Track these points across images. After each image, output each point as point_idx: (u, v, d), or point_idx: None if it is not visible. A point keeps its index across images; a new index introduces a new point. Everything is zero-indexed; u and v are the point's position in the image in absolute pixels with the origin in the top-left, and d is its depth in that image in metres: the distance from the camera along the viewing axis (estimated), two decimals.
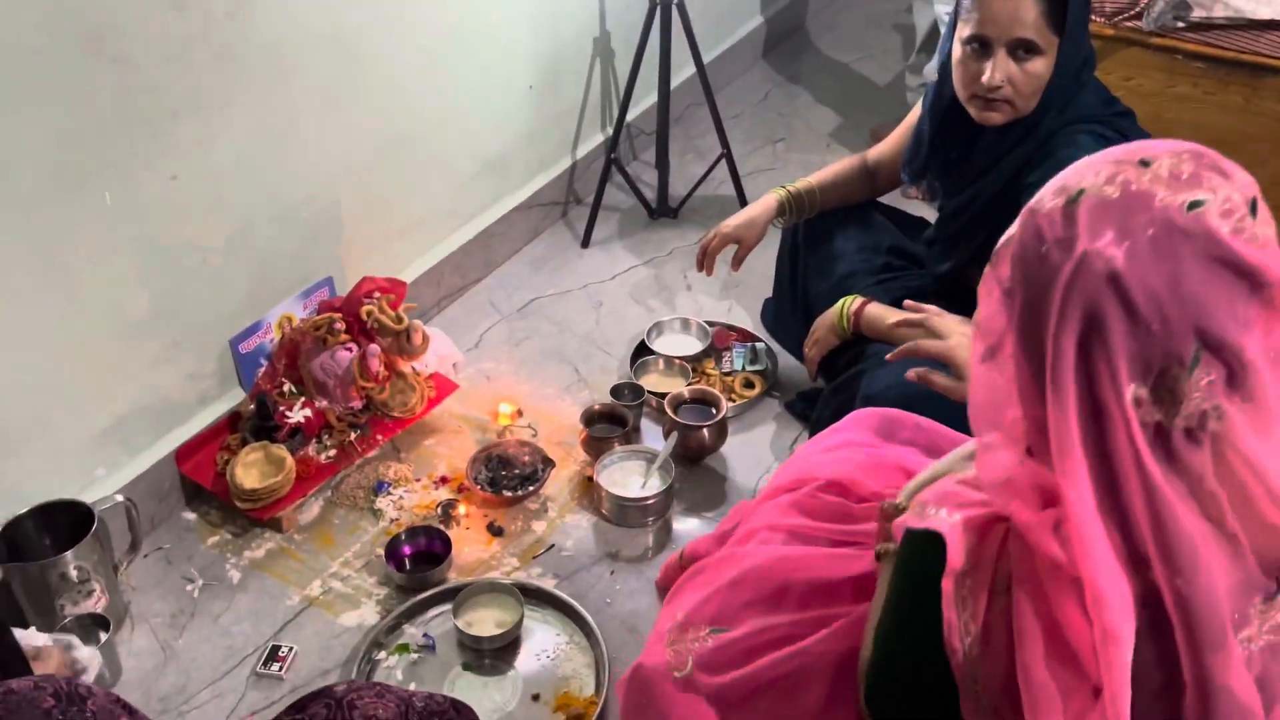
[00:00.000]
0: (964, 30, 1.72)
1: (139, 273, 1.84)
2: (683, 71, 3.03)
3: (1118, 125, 1.77)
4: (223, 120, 1.89)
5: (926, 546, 1.00)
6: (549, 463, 2.08)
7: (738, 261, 2.22)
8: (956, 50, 1.75)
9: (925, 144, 1.94)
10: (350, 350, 2.06)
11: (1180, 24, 2.31)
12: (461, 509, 2.02)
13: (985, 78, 1.70)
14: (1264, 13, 2.23)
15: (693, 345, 2.41)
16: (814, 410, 2.13)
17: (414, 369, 2.18)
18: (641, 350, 2.40)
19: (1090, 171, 0.87)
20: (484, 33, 2.44)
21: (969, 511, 0.99)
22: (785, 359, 2.40)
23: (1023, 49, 1.68)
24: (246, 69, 1.90)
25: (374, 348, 2.07)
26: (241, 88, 1.90)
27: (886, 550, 1.14)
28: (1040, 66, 1.69)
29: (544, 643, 1.80)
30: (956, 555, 0.97)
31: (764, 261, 2.43)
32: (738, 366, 2.35)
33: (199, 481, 2.01)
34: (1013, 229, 0.91)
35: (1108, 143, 1.74)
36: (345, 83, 2.12)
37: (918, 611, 1.01)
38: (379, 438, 2.12)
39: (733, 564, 1.35)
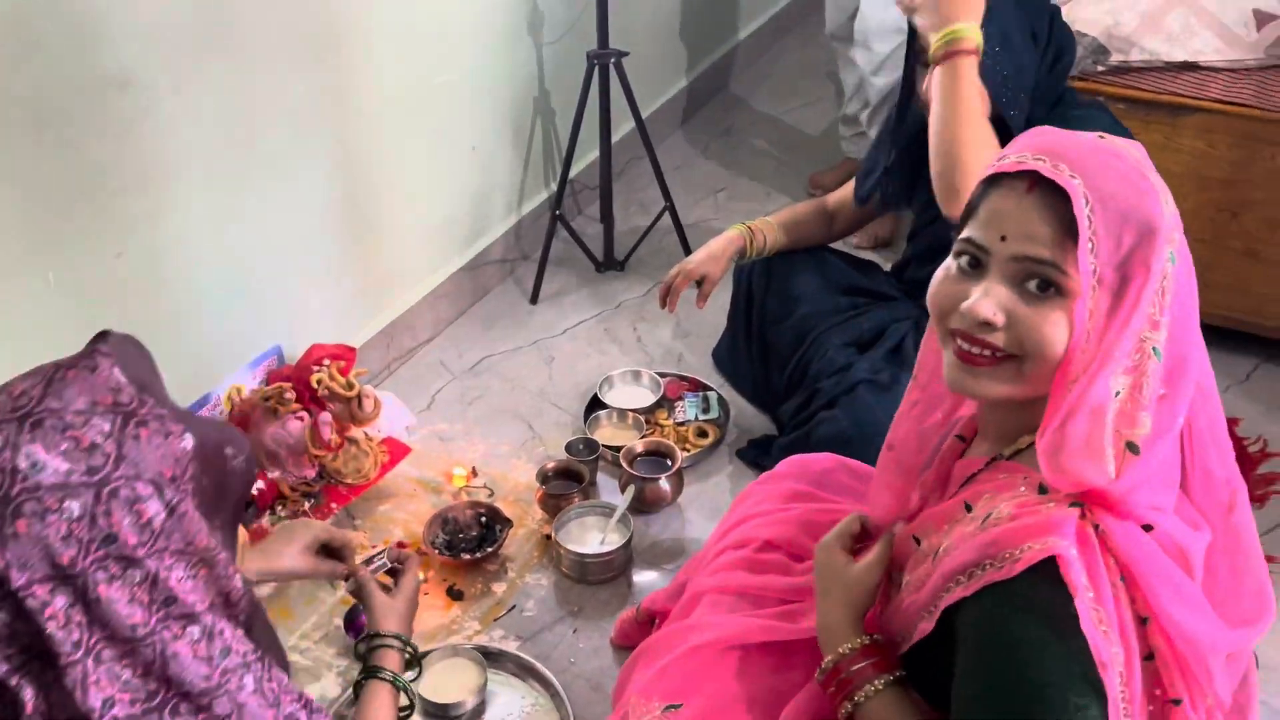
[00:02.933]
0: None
1: None
2: (623, 126, 3.08)
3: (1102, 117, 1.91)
4: (169, 195, 1.89)
5: (1031, 586, 0.96)
6: (506, 523, 2.08)
7: (703, 297, 2.25)
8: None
9: (881, 170, 2.05)
10: (301, 419, 2.05)
11: (1100, 68, 2.40)
12: (419, 575, 2.00)
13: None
14: (1178, 55, 2.33)
15: (645, 397, 2.43)
16: (766, 458, 2.16)
17: (366, 434, 2.17)
18: (594, 404, 2.42)
19: None
20: (427, 97, 2.46)
21: (1056, 532, 0.96)
22: (738, 407, 2.43)
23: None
24: (192, 143, 1.91)
25: (325, 415, 2.06)
26: (187, 162, 1.91)
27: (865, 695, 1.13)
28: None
29: (509, 706, 1.79)
30: (1078, 570, 0.94)
31: (713, 310, 2.46)
32: (690, 416, 2.37)
33: None
34: None
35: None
36: (291, 153, 2.13)
37: (1040, 665, 0.95)
38: (333, 506, 2.10)
39: (683, 637, 1.36)
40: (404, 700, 1.46)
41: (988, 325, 1.03)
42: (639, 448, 2.19)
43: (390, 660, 1.46)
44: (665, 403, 2.42)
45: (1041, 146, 1.02)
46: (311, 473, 2.09)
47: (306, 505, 2.07)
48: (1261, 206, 2.38)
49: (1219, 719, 1.04)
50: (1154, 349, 0.98)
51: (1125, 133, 1.84)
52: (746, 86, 3.98)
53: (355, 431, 2.14)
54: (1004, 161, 1.04)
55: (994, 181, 1.05)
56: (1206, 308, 2.47)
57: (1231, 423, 2.40)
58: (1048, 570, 0.95)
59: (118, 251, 1.83)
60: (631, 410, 2.37)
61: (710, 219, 3.17)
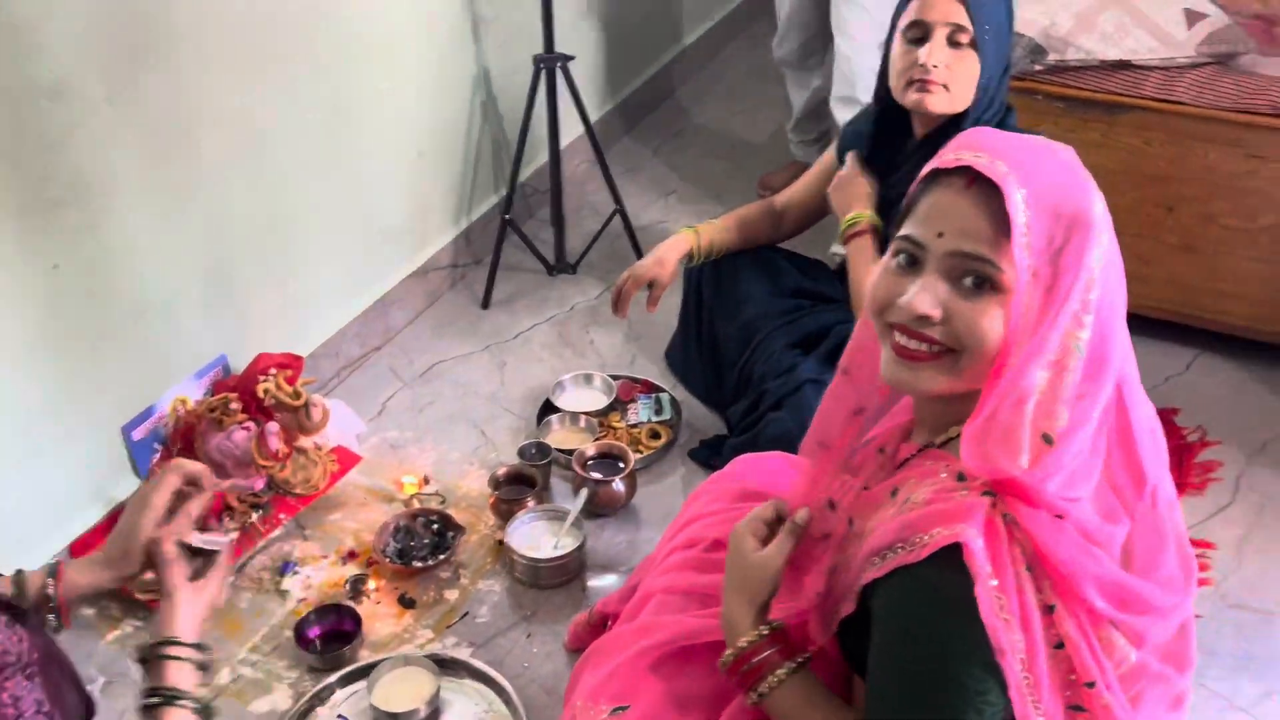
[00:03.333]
0: (904, 21, 1.87)
1: (23, 366, 1.80)
2: (573, 130, 3.07)
3: None
4: (106, 207, 1.87)
5: (936, 571, 0.98)
6: (458, 530, 2.07)
7: (654, 301, 2.25)
8: (895, 48, 1.90)
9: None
10: (248, 430, 2.03)
11: (1038, 68, 2.43)
12: (371, 583, 1.99)
13: (923, 59, 1.83)
14: (1113, 53, 2.37)
15: (598, 400, 2.43)
16: (718, 458, 2.17)
17: (315, 444, 2.15)
18: (547, 408, 2.42)
19: None
20: (372, 104, 2.45)
21: (965, 520, 0.99)
22: (690, 407, 2.44)
23: (959, 33, 1.82)
24: (129, 153, 1.88)
25: (272, 425, 2.04)
26: (125, 173, 1.88)
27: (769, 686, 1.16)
28: (972, 59, 1.83)
29: (463, 713, 1.78)
30: (982, 559, 0.96)
31: (665, 311, 2.47)
32: (643, 418, 2.38)
33: None
34: None
35: None
36: (234, 160, 2.11)
37: (940, 649, 0.99)
38: (282, 517, 2.08)
39: (630, 639, 1.36)
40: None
41: (925, 319, 1.05)
42: (591, 450, 2.19)
43: (183, 676, 1.15)
44: (618, 405, 2.43)
45: (979, 145, 1.04)
46: (260, 484, 2.07)
47: (254, 517, 2.05)
48: (1195, 202, 2.43)
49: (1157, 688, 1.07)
50: (1077, 344, 1.00)
51: None
52: (695, 90, 4.00)
53: (303, 441, 2.13)
54: (943, 159, 1.06)
55: (933, 179, 1.07)
56: (1145, 301, 2.56)
57: (1170, 413, 2.47)
58: (954, 556, 0.97)
59: (54, 264, 1.80)
60: (584, 413, 2.37)
61: (661, 221, 3.18)
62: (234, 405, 2.02)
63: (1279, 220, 2.38)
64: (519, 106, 2.73)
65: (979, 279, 1.03)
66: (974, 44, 1.81)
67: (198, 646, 1.17)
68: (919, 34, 1.85)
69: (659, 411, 2.39)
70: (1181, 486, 2.21)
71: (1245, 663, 1.86)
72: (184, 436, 2.05)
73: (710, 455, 2.25)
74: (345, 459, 2.21)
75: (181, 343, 2.11)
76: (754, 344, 2.24)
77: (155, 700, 1.13)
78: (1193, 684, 1.78)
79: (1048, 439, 0.99)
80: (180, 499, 1.27)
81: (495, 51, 2.81)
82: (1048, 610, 1.00)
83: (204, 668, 1.18)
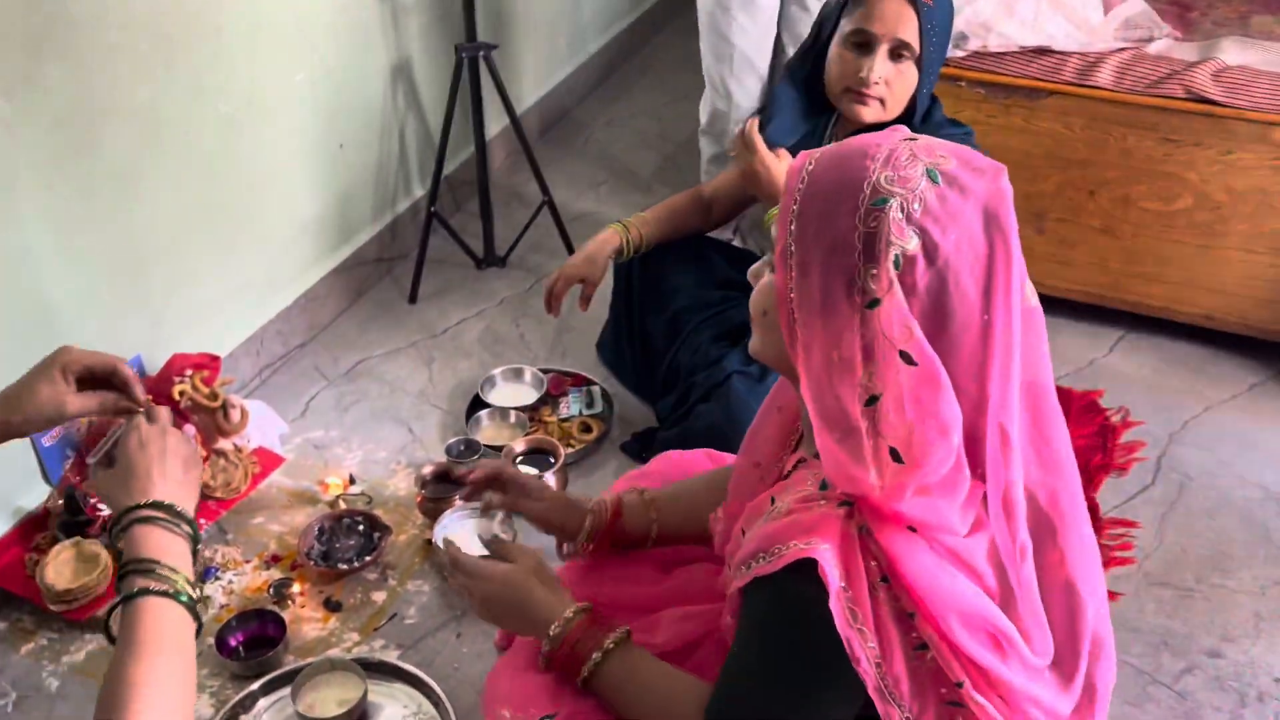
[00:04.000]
0: (848, 27, 1.86)
1: None
2: (500, 121, 3.04)
3: (966, 142, 1.91)
4: (6, 204, 1.79)
5: (791, 584, 0.99)
6: (385, 530, 2.03)
7: (585, 300, 2.22)
8: (835, 49, 1.89)
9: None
10: None
11: (960, 53, 2.45)
12: (295, 587, 1.94)
13: (864, 73, 1.82)
14: (1032, 40, 2.39)
15: (528, 394, 2.40)
16: (649, 451, 2.15)
17: (235, 446, 2.10)
18: (476, 404, 2.38)
19: None
20: (288, 95, 2.39)
21: (819, 533, 0.99)
22: (622, 400, 2.42)
23: (903, 50, 1.82)
24: (27, 148, 1.81)
25: (189, 428, 1.98)
26: (23, 168, 1.81)
27: None
28: (912, 72, 1.84)
29: (391, 717, 1.75)
30: (834, 573, 0.96)
31: (596, 302, 2.44)
32: (574, 412, 2.36)
33: (7, 588, 1.88)
34: None
35: None
36: (142, 156, 2.04)
37: (799, 655, 1.01)
38: (203, 521, 2.02)
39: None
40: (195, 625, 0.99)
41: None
42: (520, 446, 2.16)
43: (165, 547, 0.96)
44: (549, 399, 2.40)
45: (842, 142, 1.04)
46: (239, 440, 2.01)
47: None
48: (1116, 185, 2.47)
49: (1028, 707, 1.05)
50: (902, 353, 0.94)
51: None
52: (624, 80, 3.98)
53: (223, 443, 2.07)
54: None
55: None
56: (1069, 284, 2.60)
57: (1094, 394, 2.50)
58: (809, 568, 0.98)
59: None
60: (514, 408, 2.34)
61: (594, 211, 3.15)
62: None
63: (1195, 203, 2.43)
64: (443, 97, 2.68)
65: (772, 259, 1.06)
66: (917, 59, 1.82)
67: (162, 506, 0.96)
68: (862, 42, 1.84)
69: (590, 405, 2.37)
70: (1105, 467, 2.24)
71: (1165, 638, 1.89)
72: (94, 441, 1.98)
73: (642, 448, 2.24)
74: (267, 461, 2.16)
75: (92, 344, 2.00)
76: (682, 336, 2.22)
77: (133, 591, 0.93)
78: (1117, 660, 1.83)
79: (895, 455, 0.95)
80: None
81: (417, 41, 2.76)
82: (907, 616, 1.00)
83: (194, 540, 0.99)
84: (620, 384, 2.47)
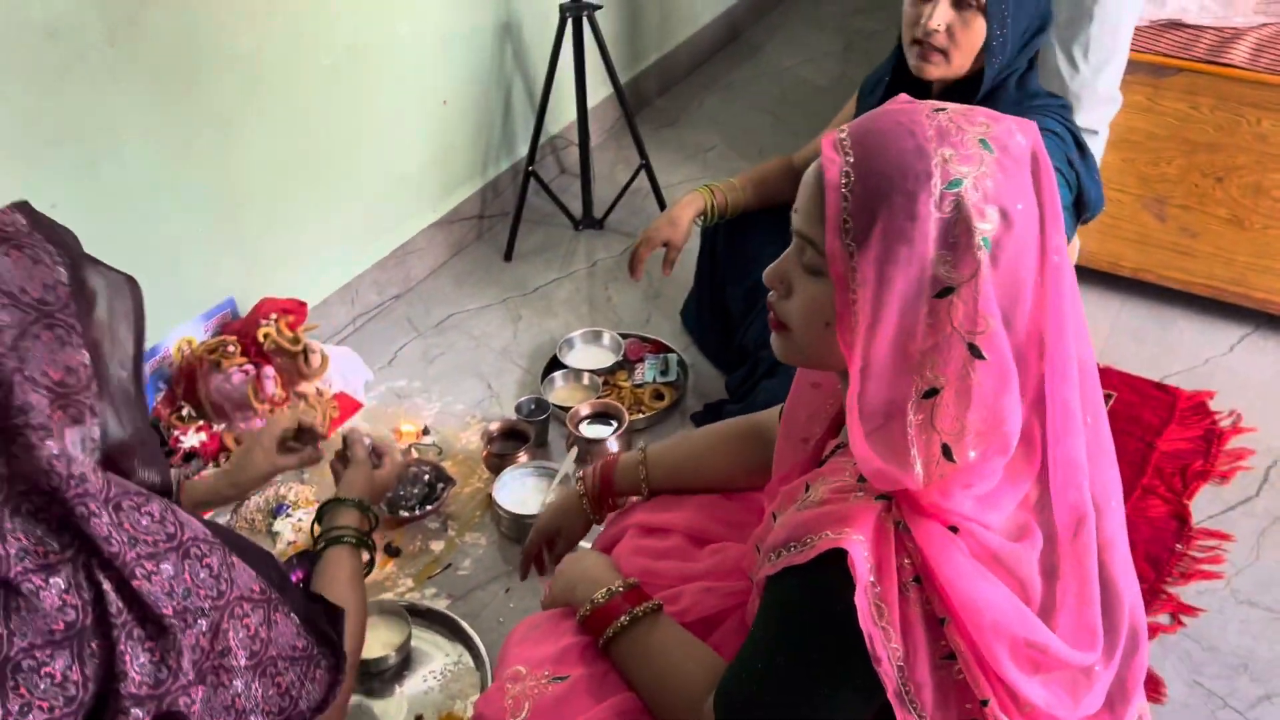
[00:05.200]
0: None
1: None
2: (609, 84, 3.02)
3: (1063, 115, 1.82)
4: (106, 146, 1.89)
5: (821, 575, 0.96)
6: (449, 481, 2.07)
7: (669, 264, 2.19)
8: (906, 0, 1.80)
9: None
10: (246, 373, 2.05)
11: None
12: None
13: (924, 19, 1.74)
14: (1160, 14, 2.23)
15: (606, 358, 2.40)
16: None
17: (317, 389, 2.17)
18: (555, 364, 2.40)
19: None
20: (391, 49, 2.43)
21: (854, 525, 0.95)
22: (699, 369, 2.40)
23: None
24: (133, 92, 1.90)
25: (269, 370, 2.06)
26: (126, 112, 1.90)
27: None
28: (978, 24, 1.72)
29: (433, 664, 1.79)
30: (864, 566, 0.93)
31: (687, 270, 2.43)
32: (648, 378, 2.35)
33: None
34: None
35: (1059, 137, 1.78)
36: (243, 104, 2.11)
37: (819, 650, 0.98)
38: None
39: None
40: (365, 557, 1.44)
41: (775, 293, 1.04)
42: (585, 409, 2.17)
43: (348, 518, 1.45)
44: (626, 364, 2.40)
45: (862, 117, 0.97)
46: (258, 425, 2.10)
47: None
48: (1247, 172, 2.29)
49: None
50: (971, 346, 0.90)
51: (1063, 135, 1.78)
52: (753, 40, 3.90)
53: (304, 386, 2.15)
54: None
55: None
56: (1190, 276, 2.43)
57: (1204, 395, 2.34)
58: (838, 559, 0.93)
59: (53, 202, 1.83)
60: (589, 370, 2.34)
61: (699, 178, 3.12)
62: (231, 348, 2.04)
63: None
64: (548, 57, 2.68)
65: (811, 261, 0.98)
66: (983, 7, 1.70)
67: (357, 502, 1.48)
68: None
69: (665, 372, 2.35)
70: (1205, 474, 2.10)
71: (1246, 661, 1.76)
72: (187, 376, 2.08)
73: (711, 419, 2.21)
74: (347, 406, 2.23)
75: (188, 284, 2.14)
76: (759, 308, 2.18)
77: (321, 545, 1.42)
78: (1188, 680, 1.72)
79: (948, 452, 0.91)
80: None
81: (523, 1, 2.77)
82: (938, 622, 0.94)
83: (364, 508, 1.47)
84: (701, 352, 2.44)
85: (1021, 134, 0.95)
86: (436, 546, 2.01)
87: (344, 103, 2.35)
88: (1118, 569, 1.04)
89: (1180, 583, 1.89)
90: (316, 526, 1.47)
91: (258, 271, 2.27)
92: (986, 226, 0.90)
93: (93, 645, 0.98)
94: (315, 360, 2.09)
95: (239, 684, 1.07)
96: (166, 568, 1.01)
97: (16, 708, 0.94)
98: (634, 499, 1.49)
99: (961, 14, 1.71)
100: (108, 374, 1.00)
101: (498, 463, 2.10)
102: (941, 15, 1.72)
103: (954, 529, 0.93)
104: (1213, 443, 2.17)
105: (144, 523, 1.01)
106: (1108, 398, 2.26)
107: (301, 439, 1.62)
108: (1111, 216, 2.43)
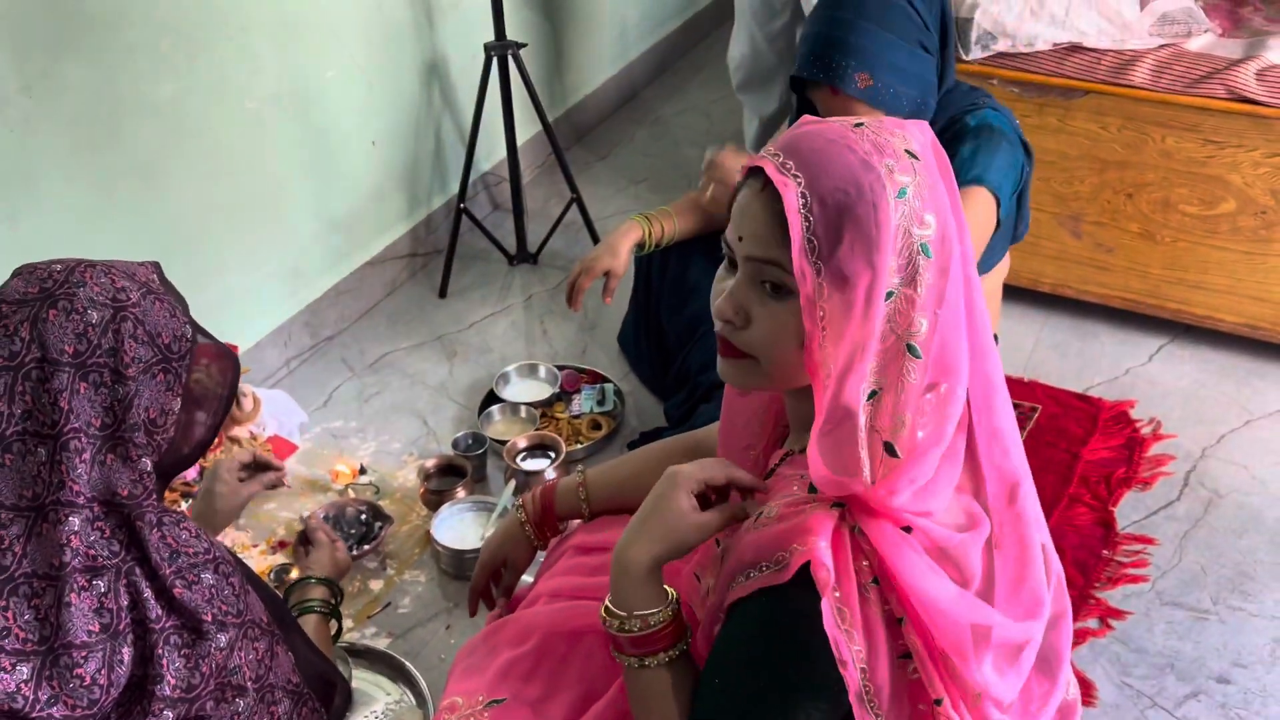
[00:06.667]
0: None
1: None
2: (550, 114, 3.05)
3: (974, 97, 1.86)
4: (28, 197, 1.88)
5: (797, 589, 0.96)
6: (387, 519, 2.07)
7: (609, 292, 2.19)
8: None
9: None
10: None
11: (991, 51, 2.38)
12: (294, 573, 1.99)
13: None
14: (1063, 37, 2.31)
15: (542, 390, 2.42)
16: None
17: (251, 433, 2.16)
18: (491, 399, 2.41)
19: None
20: (318, 92, 2.44)
21: (816, 533, 0.96)
22: (637, 398, 2.42)
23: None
24: (52, 143, 1.89)
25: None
26: (47, 161, 1.89)
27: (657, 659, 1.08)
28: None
29: (374, 704, 1.77)
30: (827, 573, 0.94)
31: (621, 300, 2.45)
32: (585, 409, 2.36)
33: None
34: None
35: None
36: (165, 152, 2.11)
37: (806, 663, 0.96)
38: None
39: (503, 633, 1.35)
40: (334, 627, 1.57)
41: (730, 324, 1.03)
42: (522, 442, 2.18)
43: (317, 592, 1.58)
44: (562, 395, 2.41)
45: (784, 140, 1.00)
46: (192, 474, 2.08)
47: (184, 505, 2.06)
48: (1155, 188, 2.37)
49: (999, 715, 1.02)
50: (909, 346, 0.95)
51: (998, 113, 1.82)
52: (679, 77, 3.96)
53: (237, 431, 2.13)
54: (754, 156, 1.03)
55: (747, 176, 1.04)
56: (1108, 290, 2.51)
57: (1125, 404, 2.41)
58: (804, 569, 0.95)
59: None
60: (525, 404, 2.35)
61: (630, 210, 3.14)
62: None
63: (1238, 207, 2.32)
64: (475, 96, 2.71)
65: (775, 284, 1.00)
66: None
67: (325, 581, 1.61)
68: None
69: (601, 402, 2.37)
70: (1128, 481, 2.16)
71: (1173, 661, 1.81)
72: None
73: None
74: (281, 448, 2.22)
75: None
76: (697, 336, 2.21)
77: (296, 613, 1.50)
78: (1117, 682, 1.76)
79: (891, 450, 0.95)
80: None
81: (450, 40, 2.80)
82: (895, 622, 0.97)
83: (330, 585, 1.61)
84: (638, 378, 2.46)
85: (923, 137, 1.01)
86: (375, 585, 2.00)
87: (270, 148, 2.36)
88: (1047, 544, 1.08)
89: (1107, 587, 1.94)
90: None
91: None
92: (926, 232, 0.96)
93: (122, 652, 1.08)
94: (247, 404, 2.08)
95: (241, 704, 1.16)
96: (207, 578, 1.13)
97: (45, 696, 1.05)
98: (575, 522, 1.50)
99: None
100: (179, 427, 1.17)
101: (435, 499, 2.10)
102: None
103: (907, 529, 0.96)
104: (1134, 450, 2.23)
105: (184, 537, 1.13)
106: (1032, 411, 2.32)
107: (254, 469, 1.69)
108: (1031, 235, 2.49)
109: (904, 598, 0.96)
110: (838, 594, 0.95)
